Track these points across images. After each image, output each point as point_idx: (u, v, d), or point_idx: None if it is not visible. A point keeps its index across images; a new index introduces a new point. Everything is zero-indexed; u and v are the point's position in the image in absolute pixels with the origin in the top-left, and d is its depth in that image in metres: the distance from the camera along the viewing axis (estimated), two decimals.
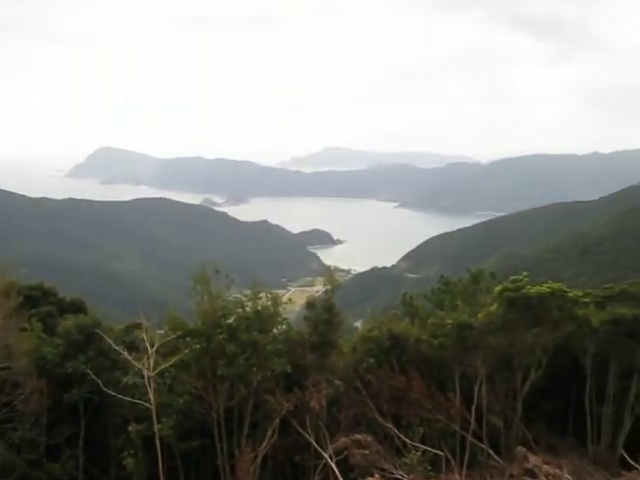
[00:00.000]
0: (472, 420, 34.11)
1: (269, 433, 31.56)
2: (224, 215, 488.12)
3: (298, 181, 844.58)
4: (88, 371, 31.16)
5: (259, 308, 32.62)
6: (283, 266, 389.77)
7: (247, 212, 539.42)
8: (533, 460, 28.35)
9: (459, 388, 34.64)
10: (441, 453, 32.03)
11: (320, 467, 31.36)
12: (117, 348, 30.44)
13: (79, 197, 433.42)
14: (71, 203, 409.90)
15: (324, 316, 34.03)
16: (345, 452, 29.93)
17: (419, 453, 29.37)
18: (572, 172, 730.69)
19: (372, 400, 33.74)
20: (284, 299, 35.78)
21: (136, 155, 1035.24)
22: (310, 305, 34.90)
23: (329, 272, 36.49)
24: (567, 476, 27.50)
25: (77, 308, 39.63)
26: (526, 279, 35.65)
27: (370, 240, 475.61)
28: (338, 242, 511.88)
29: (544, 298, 34.87)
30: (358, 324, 70.05)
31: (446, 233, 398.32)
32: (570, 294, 36.26)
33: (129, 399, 30.17)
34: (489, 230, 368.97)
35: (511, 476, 28.81)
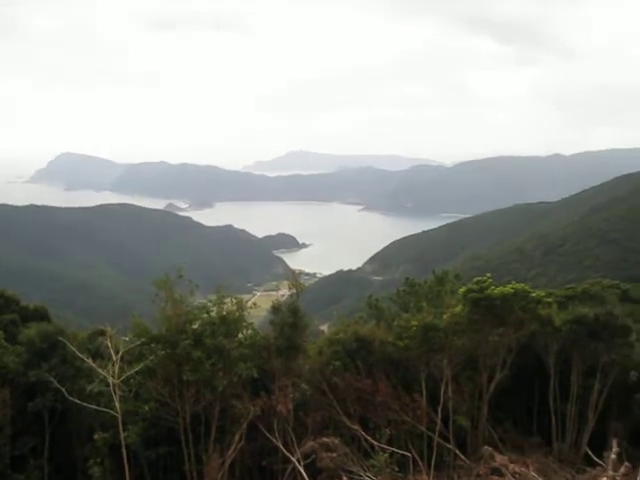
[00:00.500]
0: (439, 421, 34.27)
1: (236, 438, 31.45)
2: (188, 220, 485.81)
3: (263, 185, 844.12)
4: (52, 379, 30.74)
5: (224, 313, 32.43)
6: (248, 270, 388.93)
7: (212, 217, 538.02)
8: (499, 459, 28.63)
9: (425, 389, 34.74)
10: (408, 454, 32.23)
11: (288, 471, 31.35)
12: (81, 356, 30.01)
13: (40, 203, 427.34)
14: (32, 209, 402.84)
15: (290, 320, 33.95)
16: (313, 455, 29.99)
17: (386, 455, 29.55)
18: (535, 173, 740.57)
19: (339, 403, 33.76)
20: (249, 303, 35.63)
21: (99, 160, 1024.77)
22: (275, 309, 34.77)
23: (294, 276, 36.28)
24: (533, 474, 27.80)
25: (40, 316, 39.02)
26: (490, 280, 35.90)
27: (335, 243, 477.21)
28: (303, 246, 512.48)
29: (508, 299, 35.16)
30: (324, 327, 70.13)
31: (411, 235, 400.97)
32: (533, 294, 36.60)
33: (94, 407, 29.80)
34: (453, 232, 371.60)
35: (478, 475, 29.06)
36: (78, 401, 30.10)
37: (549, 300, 37.45)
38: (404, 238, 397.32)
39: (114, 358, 28.21)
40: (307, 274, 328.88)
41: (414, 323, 35.47)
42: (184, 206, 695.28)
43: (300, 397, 33.03)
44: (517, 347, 36.15)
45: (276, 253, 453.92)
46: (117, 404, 27.57)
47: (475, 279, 36.64)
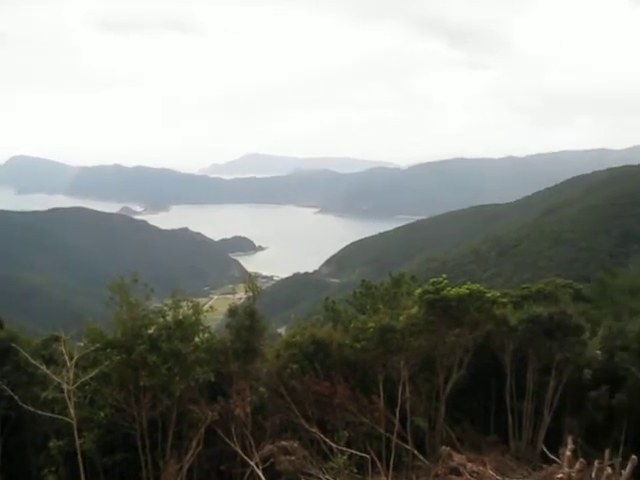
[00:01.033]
0: (396, 422, 34.35)
1: (194, 443, 31.12)
2: (143, 223, 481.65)
3: (218, 188, 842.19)
4: (4, 387, 30.13)
5: (180, 317, 32.09)
6: (204, 274, 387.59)
7: (167, 220, 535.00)
8: (457, 459, 28.96)
9: (383, 391, 34.80)
10: (367, 456, 32.33)
11: (247, 475, 31.17)
12: (34, 362, 29.45)
13: None
14: None
15: (247, 323, 33.73)
16: (272, 459, 29.96)
17: (345, 457, 29.64)
18: (489, 176, 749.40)
19: (297, 406, 33.66)
20: (206, 307, 35.36)
21: (52, 164, 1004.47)
22: (232, 312, 34.52)
23: (251, 278, 36.08)
24: (490, 472, 28.15)
25: None
26: (446, 281, 36.08)
27: (292, 246, 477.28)
28: (260, 248, 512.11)
29: (463, 299, 35.36)
30: (282, 330, 70.00)
31: (367, 237, 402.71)
32: (489, 295, 36.88)
33: (49, 414, 29.24)
34: (410, 234, 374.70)
35: (436, 475, 29.34)
36: (32, 408, 29.49)
37: (504, 300, 37.81)
38: (360, 240, 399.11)
39: (68, 364, 27.70)
40: (264, 277, 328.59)
41: (371, 325, 35.49)
42: (139, 209, 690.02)
43: (258, 401, 32.84)
44: (473, 347, 36.39)
45: (232, 256, 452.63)
46: (72, 411, 27.05)
47: (431, 280, 36.80)
